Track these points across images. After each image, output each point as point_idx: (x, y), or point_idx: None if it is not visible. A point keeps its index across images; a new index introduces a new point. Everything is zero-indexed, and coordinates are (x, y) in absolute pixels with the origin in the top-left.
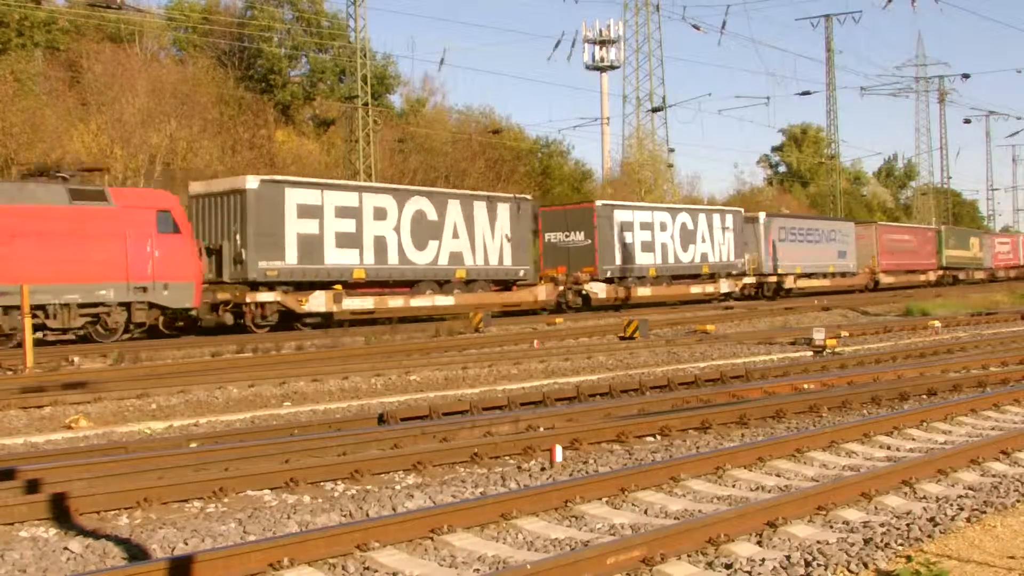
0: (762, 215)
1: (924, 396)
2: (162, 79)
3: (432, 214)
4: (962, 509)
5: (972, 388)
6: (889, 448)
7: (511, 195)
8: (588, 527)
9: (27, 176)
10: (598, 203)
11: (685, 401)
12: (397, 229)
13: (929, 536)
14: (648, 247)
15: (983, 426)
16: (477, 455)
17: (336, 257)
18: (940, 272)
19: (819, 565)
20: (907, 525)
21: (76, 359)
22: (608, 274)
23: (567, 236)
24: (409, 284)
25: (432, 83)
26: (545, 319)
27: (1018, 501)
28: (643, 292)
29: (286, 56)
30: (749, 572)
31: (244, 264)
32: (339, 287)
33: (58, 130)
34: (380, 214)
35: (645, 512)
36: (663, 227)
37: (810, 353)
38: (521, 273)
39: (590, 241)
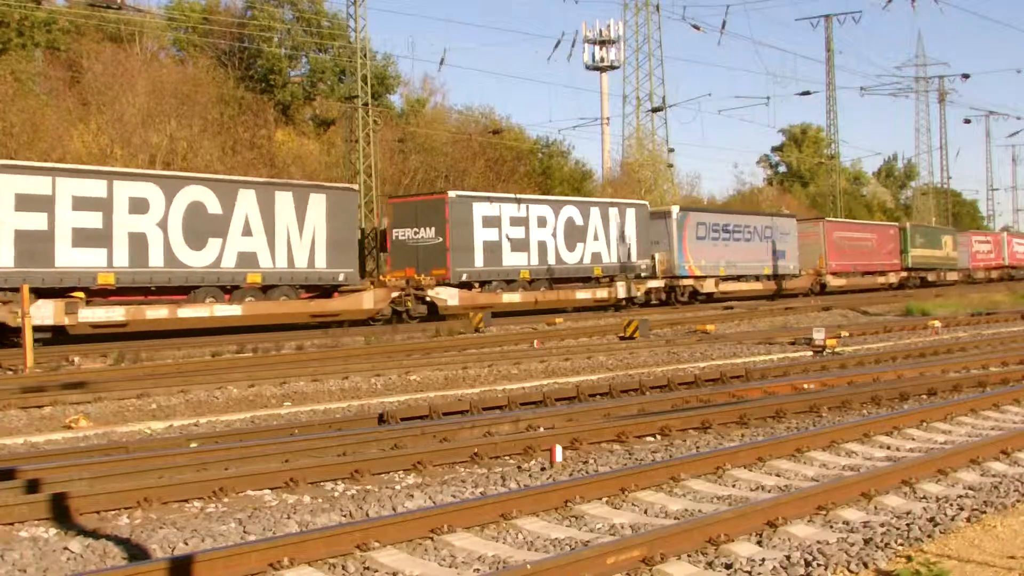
0: (675, 209)
1: (924, 396)
2: (162, 79)
3: (214, 206)
4: (962, 509)
5: (972, 388)
6: (889, 448)
7: (327, 184)
8: (588, 527)
9: None
10: (451, 194)
11: (685, 401)
12: (163, 224)
13: (929, 536)
14: (520, 246)
15: (983, 426)
16: (477, 455)
17: (72, 258)
18: (904, 274)
19: (819, 565)
20: (907, 525)
21: (76, 359)
22: (464, 277)
23: (416, 233)
24: (185, 291)
25: (432, 83)
26: (546, 319)
27: (1018, 501)
28: (511, 298)
29: (286, 56)
30: (749, 572)
31: None
32: (80, 294)
33: (58, 130)
34: (138, 206)
35: (645, 512)
36: (541, 223)
37: (810, 353)
38: (341, 277)
39: (441, 239)
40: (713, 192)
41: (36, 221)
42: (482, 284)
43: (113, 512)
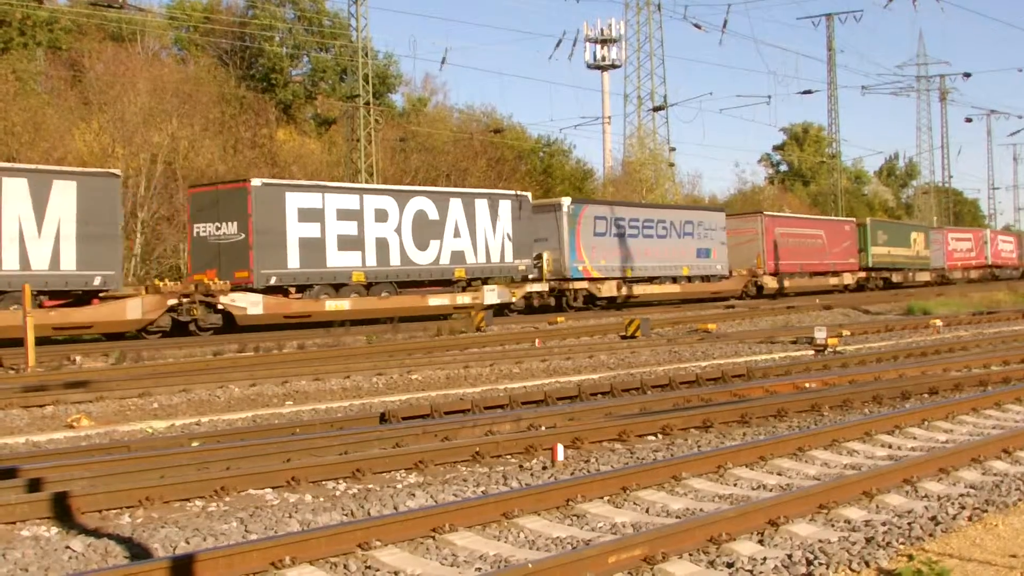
0: (565, 201)
1: (926, 395)
2: (164, 78)
3: None
4: (964, 508)
5: (974, 387)
6: (891, 447)
7: (78, 169)
8: (590, 526)
9: None
10: (255, 182)
11: (687, 400)
12: None
13: (931, 535)
14: (352, 243)
15: (985, 425)
16: (479, 454)
17: None
18: (863, 274)
19: (821, 564)
20: (909, 524)
21: (78, 358)
22: (272, 281)
23: (218, 228)
24: None
25: (434, 82)
26: (547, 318)
27: (1020, 500)
28: (337, 306)
29: (287, 55)
30: (751, 571)
31: None
32: None
33: (60, 129)
34: None
35: (647, 511)
36: (381, 216)
37: (812, 352)
38: (98, 281)
39: (244, 235)
40: (714, 191)
41: None
42: (300, 289)
43: (115, 511)
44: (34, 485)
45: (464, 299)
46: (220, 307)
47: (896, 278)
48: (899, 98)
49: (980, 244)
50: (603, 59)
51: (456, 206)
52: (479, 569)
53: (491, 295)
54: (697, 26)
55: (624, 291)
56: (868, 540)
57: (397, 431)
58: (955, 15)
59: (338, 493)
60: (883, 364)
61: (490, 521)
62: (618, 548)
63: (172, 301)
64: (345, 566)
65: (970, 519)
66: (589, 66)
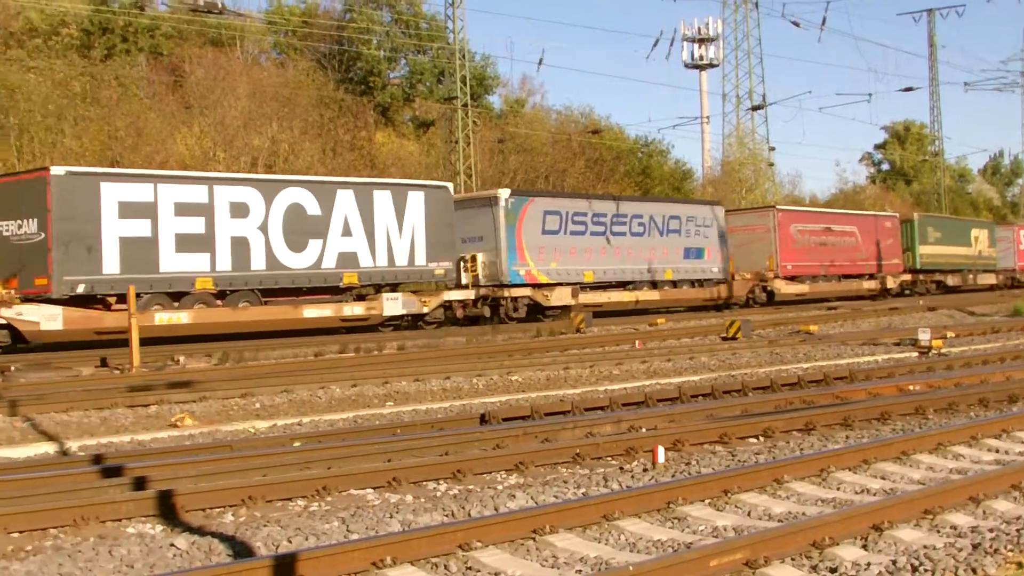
0: (503, 193)
1: None
2: (263, 82)
3: None
4: None
5: None
6: (998, 451)
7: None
8: (690, 529)
9: None
10: (55, 171)
11: (788, 402)
12: None
13: None
14: (197, 244)
15: None
16: (579, 455)
17: None
18: (908, 276)
19: (926, 570)
20: (1017, 530)
21: (181, 359)
22: (80, 288)
23: (20, 227)
24: None
25: (531, 83)
26: (648, 319)
27: None
28: (173, 318)
29: (385, 58)
30: None
31: None
32: None
33: (162, 133)
34: None
35: (748, 514)
36: (240, 211)
37: (915, 354)
38: None
39: (43, 234)
40: (815, 191)
41: None
42: (123, 298)
43: (218, 510)
44: (139, 483)
45: (355, 310)
46: (3, 321)
47: (952, 281)
48: (1003, 94)
49: None
50: (701, 58)
51: (346, 199)
52: (579, 571)
53: (392, 305)
54: (795, 23)
55: (584, 298)
56: (975, 546)
57: (497, 432)
58: None
59: (439, 494)
60: (989, 367)
61: (590, 523)
62: (719, 551)
63: None
64: (446, 567)
65: None
66: (687, 65)
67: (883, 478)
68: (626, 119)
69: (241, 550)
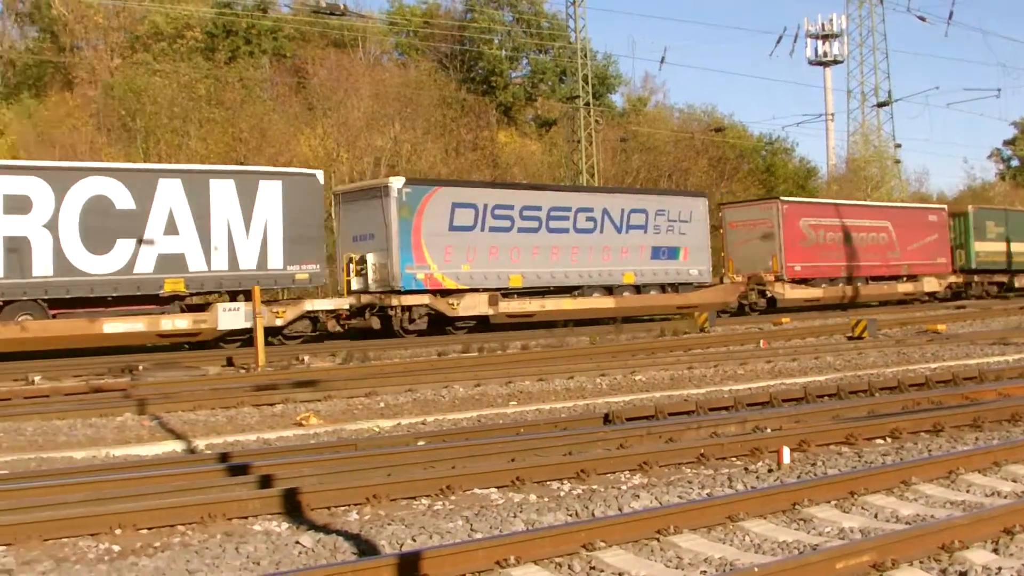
0: (395, 183)
1: None
2: (385, 83)
3: None
4: None
5: None
6: None
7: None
8: (816, 530)
9: None
10: None
11: (916, 403)
12: None
13: None
14: None
15: None
16: (703, 456)
17: None
18: (957, 278)
19: None
20: None
21: (306, 358)
22: None
23: None
24: None
25: (653, 82)
26: (772, 319)
27: None
28: None
29: (507, 58)
30: None
31: None
32: None
33: (285, 135)
34: None
35: (875, 516)
36: (17, 206)
37: None
38: None
39: None
40: (942, 188)
41: None
42: None
43: (343, 508)
44: (265, 481)
45: (177, 323)
46: None
47: (1021, 282)
48: None
49: None
50: (825, 55)
51: (170, 189)
52: (704, 572)
53: (230, 317)
54: (921, 18)
55: (503, 308)
56: None
57: (621, 432)
58: None
59: (562, 493)
60: None
61: (715, 524)
62: (846, 554)
63: None
64: (569, 566)
65: None
66: (811, 62)
67: (1014, 481)
68: (749, 117)
69: (366, 548)
